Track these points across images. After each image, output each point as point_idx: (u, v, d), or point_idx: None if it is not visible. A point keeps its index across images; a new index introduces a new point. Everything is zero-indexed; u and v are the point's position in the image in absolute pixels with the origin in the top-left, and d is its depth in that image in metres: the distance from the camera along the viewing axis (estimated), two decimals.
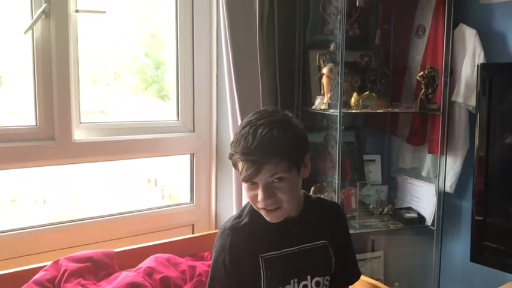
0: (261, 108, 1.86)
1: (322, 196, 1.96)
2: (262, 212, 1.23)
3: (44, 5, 1.68)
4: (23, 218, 1.95)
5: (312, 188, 2.02)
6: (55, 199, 2.01)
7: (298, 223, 1.29)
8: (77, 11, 1.77)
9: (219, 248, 1.27)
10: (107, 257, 1.66)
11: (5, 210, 1.91)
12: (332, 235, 1.33)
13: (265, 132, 1.16)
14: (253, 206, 1.25)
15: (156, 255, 1.72)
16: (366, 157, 2.22)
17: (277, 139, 1.16)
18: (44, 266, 1.58)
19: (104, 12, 1.86)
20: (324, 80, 1.96)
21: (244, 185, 1.22)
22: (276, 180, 1.18)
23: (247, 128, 1.18)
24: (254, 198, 1.21)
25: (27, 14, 1.69)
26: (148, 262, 1.67)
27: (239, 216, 1.31)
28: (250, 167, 1.15)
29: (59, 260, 1.59)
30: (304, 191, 1.36)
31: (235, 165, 1.22)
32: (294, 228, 1.28)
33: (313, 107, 2.03)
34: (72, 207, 2.06)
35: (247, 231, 1.26)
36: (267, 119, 1.19)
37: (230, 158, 1.22)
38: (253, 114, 1.24)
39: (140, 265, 1.67)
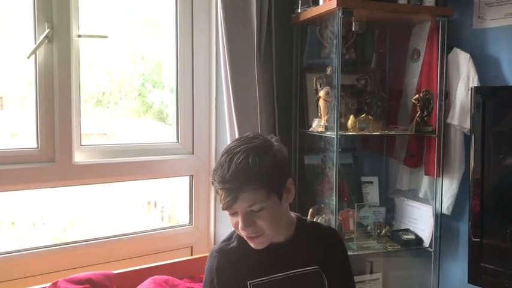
0: (259, 131, 1.89)
1: (319, 218, 1.98)
2: (246, 239, 1.24)
3: (47, 30, 1.72)
4: (21, 239, 1.96)
5: (310, 210, 2.03)
6: (54, 221, 2.02)
7: (288, 248, 1.27)
8: (79, 36, 1.81)
9: (207, 270, 1.29)
10: (106, 278, 1.67)
11: (4, 233, 1.91)
12: (326, 260, 1.30)
13: (240, 160, 1.15)
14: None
15: (155, 277, 1.73)
16: (363, 179, 2.23)
17: (252, 167, 1.15)
18: None
19: (106, 37, 1.90)
20: (321, 102, 1.98)
21: (227, 213, 1.22)
22: (255, 209, 1.17)
23: (225, 156, 1.19)
24: (236, 225, 1.22)
25: (30, 38, 1.72)
26: (147, 284, 1.68)
27: (228, 238, 1.32)
28: (227, 196, 1.16)
29: (57, 281, 1.60)
30: (298, 214, 1.36)
31: (217, 193, 1.22)
32: (283, 253, 1.26)
33: (311, 129, 2.05)
34: (72, 229, 2.06)
35: (234, 255, 1.27)
36: (244, 146, 1.19)
37: (212, 185, 1.22)
38: (233, 141, 1.24)
39: (139, 287, 1.67)
